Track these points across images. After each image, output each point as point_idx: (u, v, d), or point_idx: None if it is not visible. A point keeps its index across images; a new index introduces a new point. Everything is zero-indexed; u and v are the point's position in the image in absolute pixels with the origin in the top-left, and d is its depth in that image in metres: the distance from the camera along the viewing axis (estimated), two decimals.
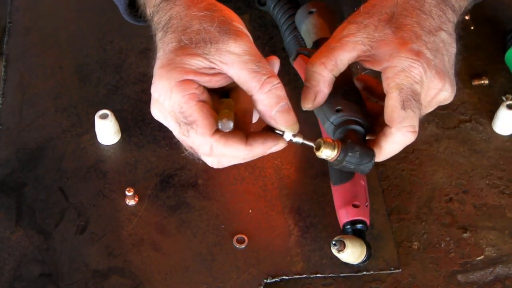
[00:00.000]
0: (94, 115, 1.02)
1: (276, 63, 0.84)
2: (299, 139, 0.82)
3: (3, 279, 0.92)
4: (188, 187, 1.00)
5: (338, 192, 0.95)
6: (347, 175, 0.96)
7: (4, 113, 1.07)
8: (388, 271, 0.93)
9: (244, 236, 0.95)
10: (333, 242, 0.88)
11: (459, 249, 0.96)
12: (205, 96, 0.79)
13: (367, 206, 0.94)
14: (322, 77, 0.84)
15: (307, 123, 1.05)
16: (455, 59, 0.87)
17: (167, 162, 1.02)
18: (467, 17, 1.16)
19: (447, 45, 0.85)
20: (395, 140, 0.83)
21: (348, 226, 0.93)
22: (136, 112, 1.06)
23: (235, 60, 0.78)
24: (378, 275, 0.93)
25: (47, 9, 1.20)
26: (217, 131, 0.78)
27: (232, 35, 0.78)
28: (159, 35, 0.82)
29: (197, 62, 0.78)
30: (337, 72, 0.85)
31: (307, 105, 0.86)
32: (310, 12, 1.03)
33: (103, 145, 1.04)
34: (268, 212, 0.98)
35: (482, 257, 0.95)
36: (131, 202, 0.98)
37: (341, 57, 0.84)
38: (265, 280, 0.92)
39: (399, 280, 0.93)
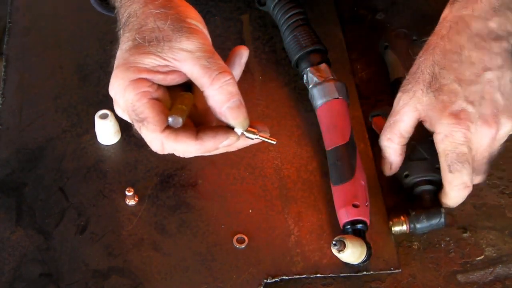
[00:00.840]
0: (94, 115, 1.02)
1: (244, 53, 0.86)
2: (251, 135, 0.83)
3: (3, 279, 0.92)
4: (188, 187, 1.00)
5: (338, 192, 0.95)
6: (347, 175, 0.96)
7: (4, 113, 1.07)
8: (388, 271, 0.93)
9: (244, 236, 0.95)
10: (334, 242, 0.88)
11: (459, 249, 0.95)
12: (159, 93, 0.80)
13: (367, 206, 0.94)
14: (393, 150, 0.95)
15: (308, 123, 1.05)
16: None
17: (167, 162, 1.02)
18: None
19: (497, 80, 0.88)
20: (452, 196, 0.92)
21: (348, 226, 0.93)
22: None
23: (188, 57, 0.79)
24: (378, 275, 0.93)
25: (47, 9, 1.20)
26: (168, 127, 0.79)
27: (185, 32, 0.79)
28: (119, 34, 0.84)
29: (150, 61, 0.79)
30: (404, 141, 0.94)
31: (387, 174, 0.98)
32: (386, 47, 1.08)
33: (103, 145, 1.04)
34: (268, 212, 0.98)
35: (482, 257, 0.95)
36: (131, 202, 0.98)
37: (403, 128, 0.93)
38: (265, 280, 0.92)
39: (399, 280, 0.93)
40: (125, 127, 1.05)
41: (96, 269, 0.93)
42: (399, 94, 0.93)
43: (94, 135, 1.04)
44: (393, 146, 0.94)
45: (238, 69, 0.86)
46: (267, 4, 1.12)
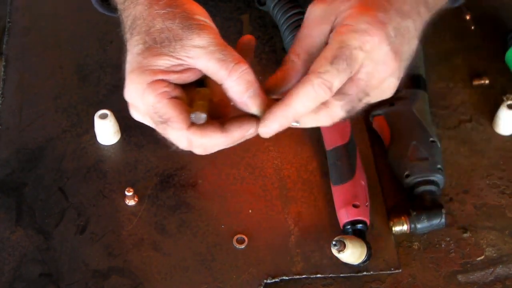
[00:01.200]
0: (94, 115, 1.02)
1: (251, 41, 0.85)
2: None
3: (3, 279, 0.92)
4: (188, 187, 1.00)
5: (338, 192, 0.95)
6: (347, 175, 0.96)
7: (4, 113, 1.07)
8: (388, 271, 0.93)
9: (244, 236, 0.95)
10: (334, 242, 0.88)
11: (459, 249, 0.95)
12: (177, 92, 0.80)
13: (367, 206, 0.94)
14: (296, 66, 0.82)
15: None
16: (417, 57, 0.83)
17: (167, 162, 1.02)
18: (467, 17, 1.16)
19: (411, 37, 0.81)
20: (306, 90, 0.77)
21: (348, 226, 0.93)
22: None
23: (201, 53, 0.78)
24: (378, 275, 0.93)
25: (47, 9, 1.20)
26: (192, 124, 0.79)
27: (195, 29, 0.79)
28: (126, 37, 0.83)
29: (164, 62, 0.79)
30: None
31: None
32: None
33: (103, 145, 1.04)
34: (268, 212, 0.98)
35: (482, 257, 0.95)
36: (131, 202, 0.98)
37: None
38: (265, 280, 0.92)
39: (399, 280, 0.93)
40: (125, 127, 1.05)
41: (96, 269, 0.93)
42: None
43: (94, 135, 1.04)
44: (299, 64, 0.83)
45: (249, 57, 0.85)
46: (267, 4, 1.12)
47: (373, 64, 0.78)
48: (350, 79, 0.79)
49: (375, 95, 0.81)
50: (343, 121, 0.82)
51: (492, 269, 0.94)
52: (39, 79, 1.11)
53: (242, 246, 0.95)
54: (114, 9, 0.90)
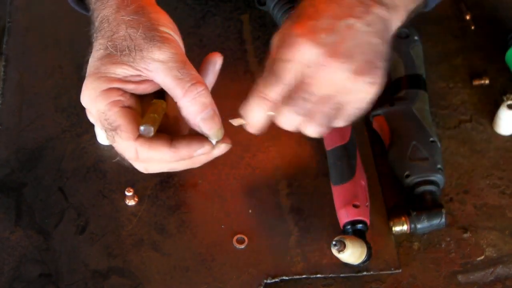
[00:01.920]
0: None
1: (217, 60, 0.85)
2: (227, 145, 0.83)
3: (3, 279, 0.92)
4: (188, 187, 1.00)
5: (338, 192, 0.95)
6: (347, 175, 0.96)
7: (4, 113, 1.07)
8: (388, 271, 0.93)
9: (244, 236, 0.95)
10: (334, 243, 0.88)
11: (460, 249, 0.95)
12: (132, 102, 0.80)
13: (367, 206, 0.94)
14: None
15: None
16: (390, 52, 0.82)
17: None
18: (467, 17, 1.16)
19: (360, 33, 0.79)
20: (249, 101, 0.82)
21: (349, 226, 0.93)
22: None
23: (160, 68, 0.78)
24: (378, 275, 0.93)
25: (47, 9, 1.19)
26: (141, 135, 0.78)
27: (157, 42, 0.78)
28: (93, 37, 0.84)
29: (122, 71, 0.79)
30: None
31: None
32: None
33: (103, 145, 1.04)
34: (268, 212, 0.98)
35: (482, 257, 0.95)
36: (131, 202, 0.98)
37: None
38: (265, 281, 0.92)
39: (399, 281, 0.93)
40: None
41: (96, 269, 0.93)
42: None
43: (94, 135, 1.04)
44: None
45: (211, 77, 0.85)
46: (267, 4, 1.12)
47: (312, 68, 0.78)
48: (298, 87, 0.79)
49: (347, 97, 0.80)
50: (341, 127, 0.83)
51: (492, 269, 0.94)
52: (39, 79, 1.11)
53: (242, 246, 0.95)
54: (86, 8, 0.89)
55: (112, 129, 0.79)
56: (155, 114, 0.79)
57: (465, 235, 0.97)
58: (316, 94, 0.79)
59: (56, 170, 1.01)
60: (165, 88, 0.80)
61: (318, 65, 0.78)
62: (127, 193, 0.97)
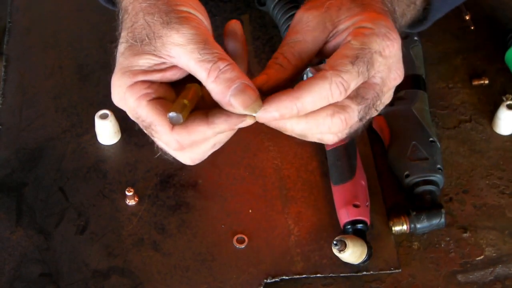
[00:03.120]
0: (94, 115, 1.02)
1: (235, 26, 0.78)
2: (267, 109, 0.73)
3: (3, 279, 0.92)
4: (188, 187, 1.00)
5: (338, 192, 0.96)
6: (347, 175, 0.96)
7: (4, 113, 1.07)
8: (388, 271, 0.93)
9: (244, 236, 0.95)
10: (334, 242, 0.88)
11: (459, 249, 0.95)
12: (162, 91, 0.75)
13: (367, 206, 0.94)
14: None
15: None
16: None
17: (167, 162, 1.01)
18: (467, 17, 1.16)
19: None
20: (320, 86, 0.71)
21: (349, 226, 0.93)
22: None
23: (181, 52, 0.73)
24: (378, 275, 0.93)
25: (47, 9, 1.20)
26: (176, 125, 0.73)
27: (175, 24, 0.73)
28: (118, 32, 0.79)
29: (145, 61, 0.74)
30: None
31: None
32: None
33: (103, 145, 1.04)
34: (268, 212, 0.98)
35: (482, 257, 0.95)
36: (131, 202, 0.98)
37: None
38: (265, 280, 0.92)
39: (399, 280, 0.93)
40: (125, 127, 1.05)
41: (96, 269, 0.93)
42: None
43: (94, 135, 1.04)
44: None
45: (238, 47, 0.78)
46: (267, 4, 1.12)
47: (387, 70, 0.75)
48: (367, 83, 0.74)
49: (384, 102, 0.77)
50: (343, 139, 0.77)
51: (492, 269, 0.94)
52: (39, 79, 1.11)
53: (242, 246, 0.95)
54: (113, 2, 0.86)
55: (147, 126, 0.75)
56: (184, 99, 0.73)
57: (465, 235, 0.97)
58: (380, 98, 0.75)
59: (56, 170, 1.01)
60: (191, 72, 0.74)
61: (392, 68, 0.75)
62: (127, 193, 0.97)
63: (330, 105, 0.73)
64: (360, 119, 0.75)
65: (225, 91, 0.71)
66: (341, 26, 0.75)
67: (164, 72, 0.75)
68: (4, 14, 1.20)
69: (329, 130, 0.74)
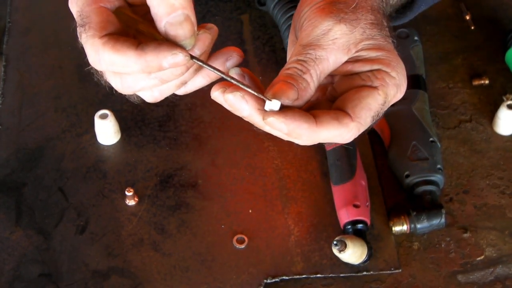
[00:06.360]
0: (94, 115, 1.02)
1: (233, 55, 0.78)
2: (202, 63, 0.69)
3: (3, 279, 0.92)
4: (188, 187, 1.00)
5: (338, 192, 0.95)
6: (347, 175, 0.96)
7: (4, 113, 1.07)
8: (388, 271, 0.93)
9: (244, 236, 0.95)
10: (335, 242, 0.88)
11: (460, 249, 0.95)
12: (119, 3, 0.72)
13: (367, 206, 0.94)
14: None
15: None
16: None
17: (167, 162, 1.02)
18: (467, 17, 1.16)
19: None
20: (340, 131, 0.70)
21: (349, 226, 0.93)
22: (136, 112, 1.06)
23: None
24: (378, 275, 0.93)
25: (47, 9, 1.19)
26: (107, 35, 0.70)
27: None
28: None
29: None
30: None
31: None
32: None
33: (103, 145, 1.04)
34: (268, 212, 0.98)
35: (482, 257, 0.95)
36: (131, 202, 0.98)
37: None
38: (265, 281, 0.92)
39: (399, 280, 0.93)
40: (125, 127, 1.05)
41: (96, 269, 0.93)
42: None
43: (94, 135, 1.04)
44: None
45: (217, 64, 0.76)
46: (267, 4, 1.12)
47: (396, 88, 0.73)
48: None
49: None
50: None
51: (492, 269, 0.94)
52: (39, 79, 1.11)
53: (242, 246, 0.95)
54: None
55: (82, 25, 0.72)
56: (130, 13, 0.71)
57: (465, 235, 0.97)
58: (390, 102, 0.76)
59: (56, 170, 1.01)
60: None
61: (401, 85, 0.75)
62: (127, 193, 0.97)
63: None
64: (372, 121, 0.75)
65: (163, 15, 0.67)
66: (364, 55, 0.74)
67: None
68: (4, 14, 1.19)
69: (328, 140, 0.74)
